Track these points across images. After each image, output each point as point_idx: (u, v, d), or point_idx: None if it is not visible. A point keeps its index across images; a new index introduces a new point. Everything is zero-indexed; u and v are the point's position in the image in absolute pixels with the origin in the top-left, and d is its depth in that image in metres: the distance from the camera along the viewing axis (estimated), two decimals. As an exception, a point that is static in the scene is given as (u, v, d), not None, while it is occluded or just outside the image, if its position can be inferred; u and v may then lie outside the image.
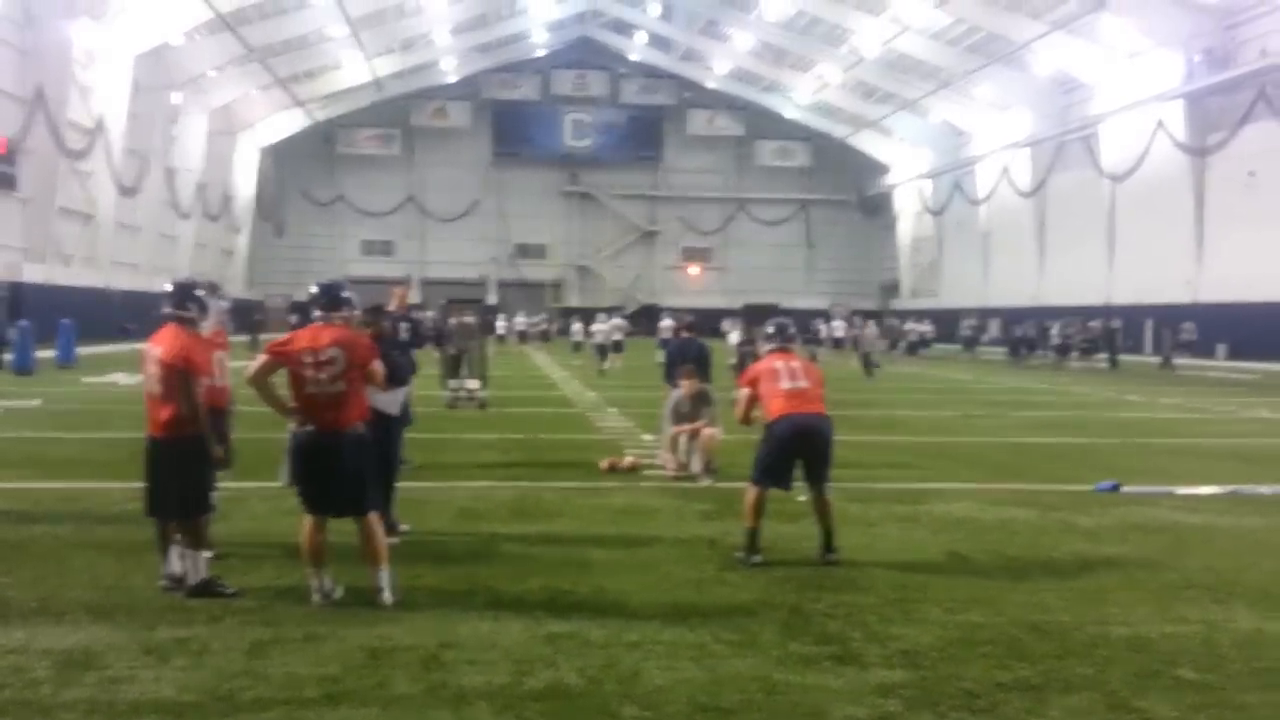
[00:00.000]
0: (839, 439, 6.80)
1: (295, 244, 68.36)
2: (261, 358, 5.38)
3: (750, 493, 6.45)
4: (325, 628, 4.84)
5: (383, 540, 5.36)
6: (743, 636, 4.85)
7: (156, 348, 5.41)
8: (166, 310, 5.53)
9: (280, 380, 5.41)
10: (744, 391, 6.77)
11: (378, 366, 5.44)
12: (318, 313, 5.46)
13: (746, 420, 6.76)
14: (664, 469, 9.84)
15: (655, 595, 5.55)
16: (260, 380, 5.37)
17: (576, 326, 34.78)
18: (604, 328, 28.05)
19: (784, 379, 6.54)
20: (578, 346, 33.28)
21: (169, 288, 5.62)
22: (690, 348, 10.82)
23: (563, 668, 4.37)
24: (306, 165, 68.88)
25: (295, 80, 55.34)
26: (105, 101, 40.49)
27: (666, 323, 28.10)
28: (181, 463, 5.34)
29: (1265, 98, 35.07)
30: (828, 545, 6.43)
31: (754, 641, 4.79)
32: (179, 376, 5.27)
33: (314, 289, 5.58)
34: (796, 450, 6.44)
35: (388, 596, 5.24)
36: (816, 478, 6.49)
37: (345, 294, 5.53)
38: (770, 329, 6.99)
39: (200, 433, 5.33)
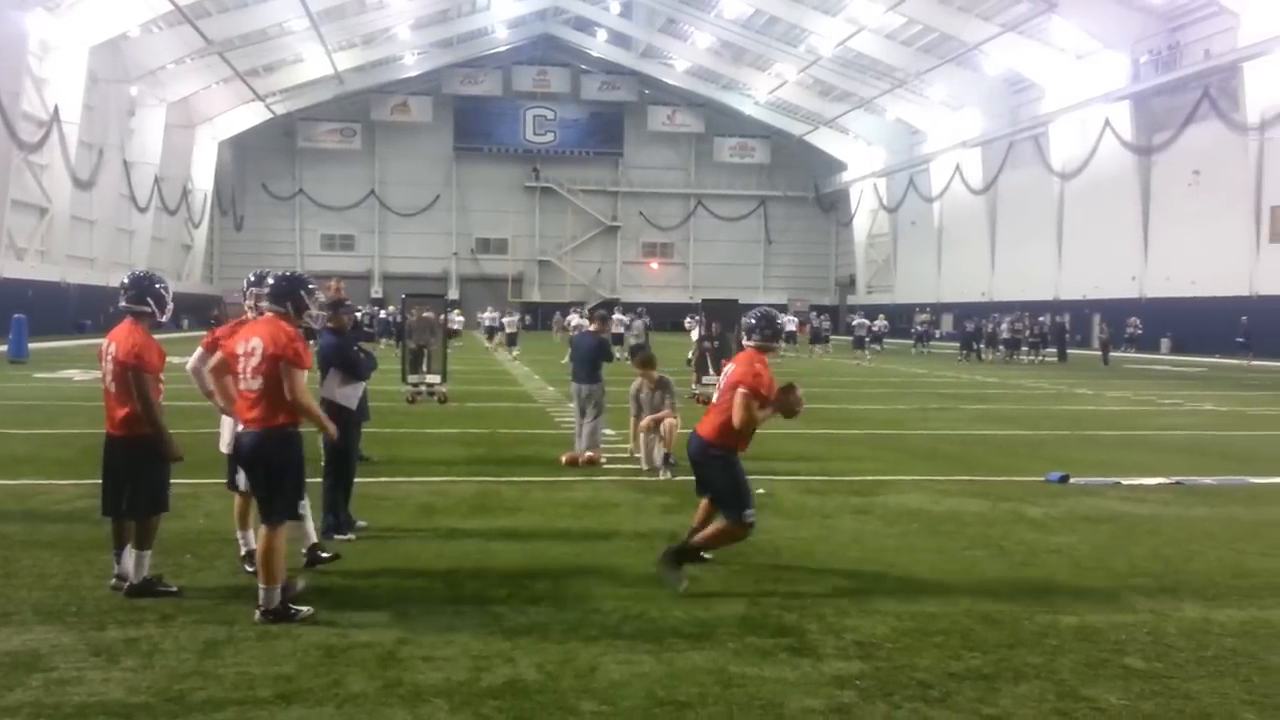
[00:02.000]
0: (794, 432, 6.83)
1: (254, 238, 67.61)
2: (216, 356, 5.34)
3: (739, 531, 5.73)
4: (280, 626, 4.79)
5: (276, 558, 4.92)
6: (700, 630, 4.87)
7: (111, 344, 5.25)
8: (122, 304, 5.36)
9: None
10: (764, 414, 5.74)
11: (301, 355, 4.97)
12: (264, 304, 5.26)
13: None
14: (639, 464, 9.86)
15: (614, 589, 5.56)
16: (217, 378, 5.34)
17: (490, 314, 37.34)
18: (580, 321, 28.81)
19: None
20: (491, 334, 34.49)
21: (125, 281, 5.43)
22: (584, 343, 10.88)
23: (521, 664, 4.36)
24: (266, 159, 68.21)
25: (255, 74, 54.69)
26: (60, 93, 39.97)
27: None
28: (137, 461, 5.20)
29: (1209, 98, 35.98)
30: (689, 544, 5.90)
31: (711, 634, 4.81)
32: (132, 374, 5.12)
33: (269, 281, 5.41)
34: None
35: (256, 615, 4.87)
36: None
37: (295, 288, 5.21)
38: (752, 320, 6.03)
39: (157, 431, 5.18)
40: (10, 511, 7.38)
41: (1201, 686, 4.25)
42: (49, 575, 5.63)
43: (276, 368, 4.90)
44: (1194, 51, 37.61)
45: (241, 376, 5.02)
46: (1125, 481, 9.42)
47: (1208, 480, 9.63)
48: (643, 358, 10.19)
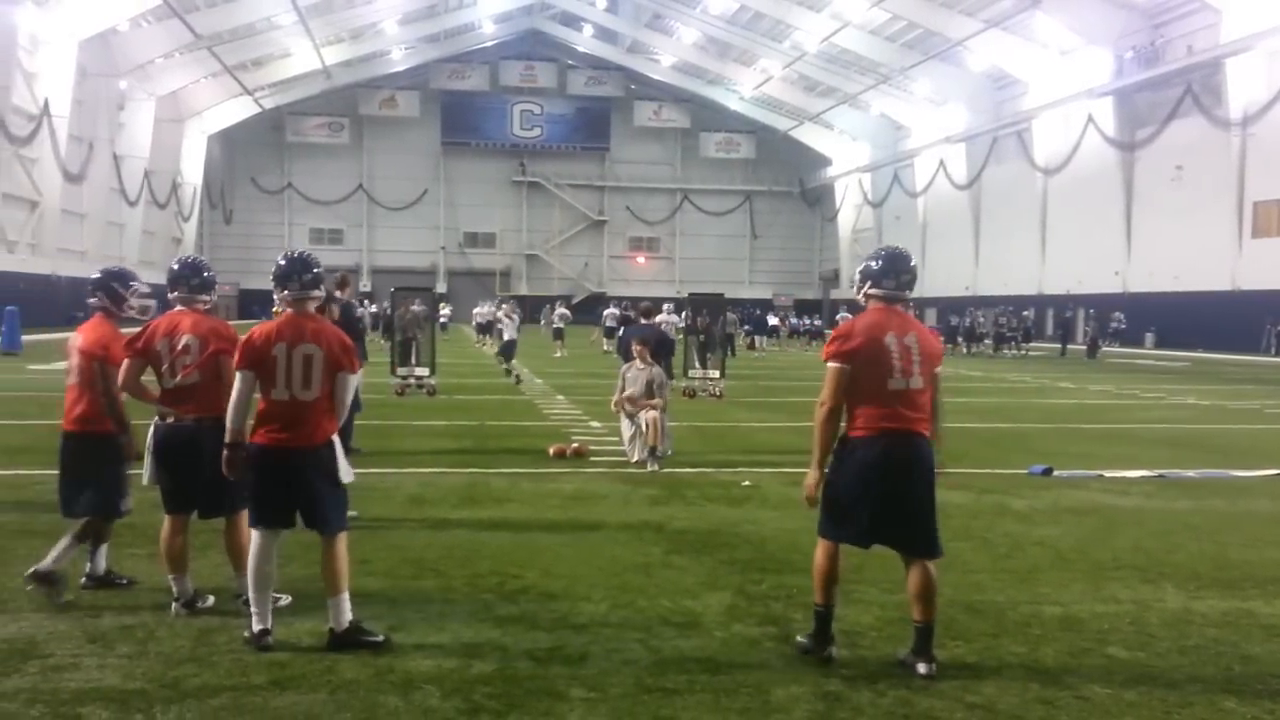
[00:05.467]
0: (779, 425, 6.84)
1: (243, 232, 67.55)
2: (124, 362, 4.90)
3: (818, 551, 4.50)
4: (273, 614, 4.80)
5: (246, 544, 4.78)
6: (687, 619, 4.91)
7: (78, 337, 5.08)
8: (92, 300, 5.20)
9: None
10: (834, 367, 4.29)
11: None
12: (174, 294, 4.95)
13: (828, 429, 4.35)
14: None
15: (603, 579, 5.60)
16: (130, 386, 4.90)
17: (446, 310, 39.80)
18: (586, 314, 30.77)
19: (895, 369, 4.27)
20: (444, 328, 36.64)
21: (96, 276, 5.26)
22: (647, 333, 10.88)
23: (511, 651, 4.40)
24: (255, 153, 68.09)
25: (243, 68, 54.52)
26: (50, 87, 39.82)
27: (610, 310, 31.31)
28: (98, 459, 4.97)
29: (1192, 94, 36.21)
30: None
31: (698, 623, 4.85)
32: (97, 368, 4.96)
33: (175, 266, 5.03)
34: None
35: (246, 603, 4.69)
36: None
37: (208, 274, 5.06)
38: (878, 264, 4.45)
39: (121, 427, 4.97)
40: (5, 501, 7.40)
41: (1184, 676, 4.29)
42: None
43: (216, 362, 4.77)
44: (1177, 48, 37.87)
45: (169, 372, 4.79)
46: (1108, 474, 9.52)
47: (1190, 473, 9.73)
48: (643, 337, 10.17)
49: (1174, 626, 4.95)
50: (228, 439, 4.51)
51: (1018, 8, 41.07)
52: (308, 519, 4.52)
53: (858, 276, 4.54)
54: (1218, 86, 35.74)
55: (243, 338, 4.57)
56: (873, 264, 4.46)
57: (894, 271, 4.41)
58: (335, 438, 4.60)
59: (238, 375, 4.51)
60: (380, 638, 4.46)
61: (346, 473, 4.63)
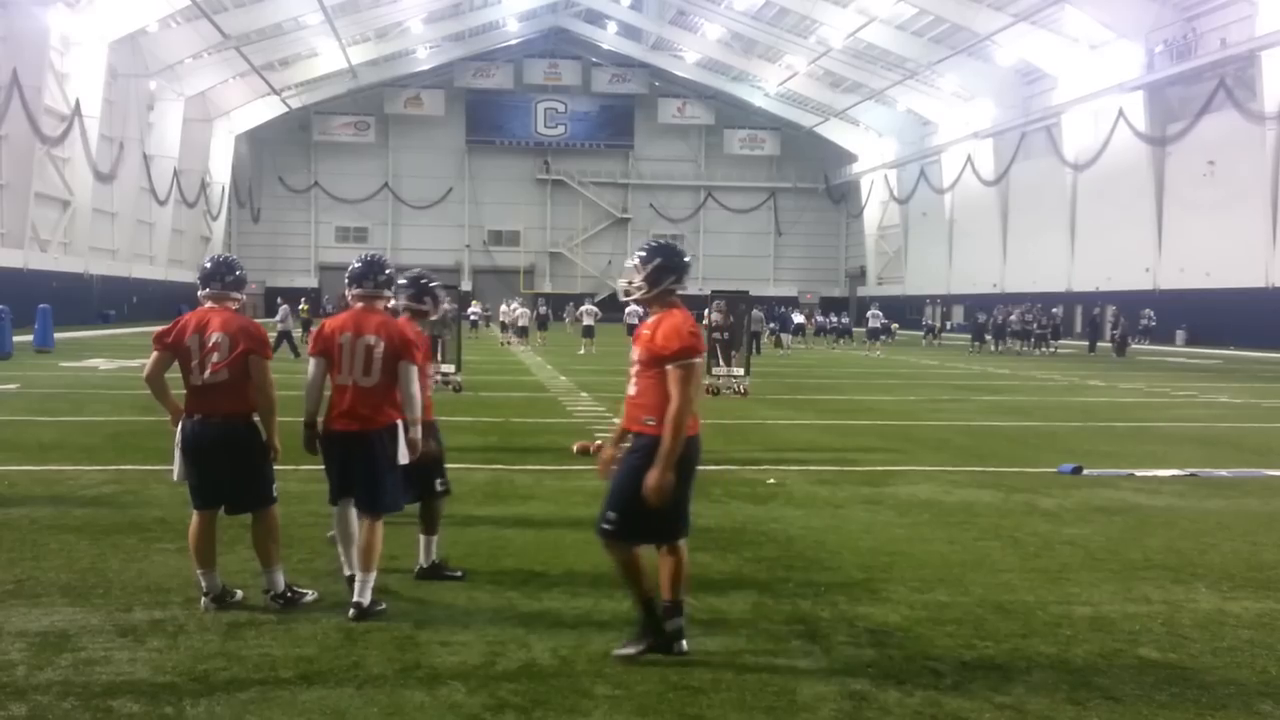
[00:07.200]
0: (805, 423, 6.79)
1: (271, 230, 68.29)
2: (152, 355, 4.91)
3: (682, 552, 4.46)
4: (300, 610, 4.85)
5: (275, 538, 4.95)
6: (713, 616, 4.89)
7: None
8: (396, 302, 5.45)
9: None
10: (698, 364, 4.28)
11: (268, 344, 4.93)
12: (206, 290, 4.99)
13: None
14: None
15: (627, 577, 5.60)
16: (155, 381, 4.89)
17: (475, 307, 40.27)
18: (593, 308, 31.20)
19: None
20: (475, 325, 37.17)
21: (402, 281, 5.62)
22: None
23: (535, 648, 4.40)
24: (282, 152, 68.75)
25: (271, 68, 55.08)
26: (81, 88, 40.51)
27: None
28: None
29: (1225, 88, 35.66)
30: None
31: (724, 621, 4.84)
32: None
33: (207, 264, 5.11)
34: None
35: (273, 599, 4.89)
36: None
37: (240, 273, 5.11)
38: (682, 259, 4.45)
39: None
40: (38, 496, 7.48)
41: (1217, 678, 4.23)
42: (77, 558, 5.72)
43: (245, 360, 4.80)
44: (1210, 41, 37.30)
45: (198, 369, 4.81)
46: (1139, 473, 9.39)
47: (1222, 472, 9.59)
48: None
49: (1207, 628, 4.88)
50: (304, 419, 4.96)
51: (1046, 1, 40.62)
52: (359, 499, 4.95)
53: (656, 270, 4.31)
54: (1252, 80, 35.17)
55: (315, 327, 4.94)
56: (677, 260, 4.36)
57: (688, 266, 4.47)
58: (399, 423, 4.98)
59: (310, 360, 5.02)
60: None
61: (403, 455, 5.02)
